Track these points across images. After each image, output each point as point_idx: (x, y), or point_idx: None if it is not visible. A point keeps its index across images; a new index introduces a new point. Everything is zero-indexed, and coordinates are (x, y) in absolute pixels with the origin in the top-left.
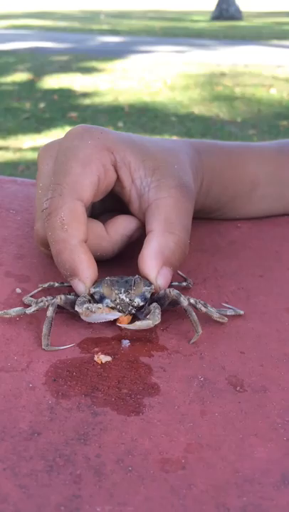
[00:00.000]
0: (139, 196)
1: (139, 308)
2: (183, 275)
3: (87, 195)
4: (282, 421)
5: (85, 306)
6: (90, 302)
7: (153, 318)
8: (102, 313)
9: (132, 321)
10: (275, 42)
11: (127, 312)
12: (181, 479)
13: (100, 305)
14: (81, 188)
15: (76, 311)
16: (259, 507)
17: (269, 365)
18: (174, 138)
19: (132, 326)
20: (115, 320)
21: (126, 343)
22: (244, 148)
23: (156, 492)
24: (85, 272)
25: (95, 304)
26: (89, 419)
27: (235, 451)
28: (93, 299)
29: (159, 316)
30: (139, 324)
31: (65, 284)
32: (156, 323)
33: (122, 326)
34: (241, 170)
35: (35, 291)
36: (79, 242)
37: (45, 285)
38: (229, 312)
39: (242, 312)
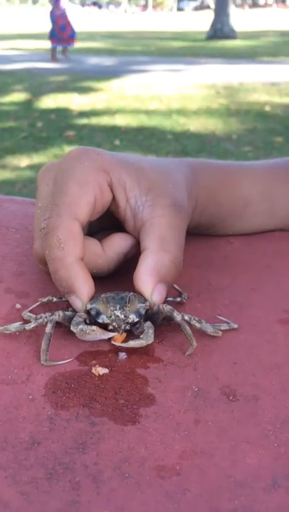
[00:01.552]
0: (134, 215)
1: (133, 325)
2: (178, 289)
3: (84, 214)
4: (272, 428)
5: (80, 327)
6: (85, 322)
7: (146, 338)
8: (96, 334)
9: (126, 338)
10: (269, 60)
11: (121, 330)
12: (176, 485)
13: (93, 327)
14: (78, 207)
15: None
16: (251, 510)
17: (261, 375)
18: (170, 155)
19: (125, 345)
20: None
21: (122, 355)
22: (238, 167)
23: (152, 497)
24: (81, 289)
25: (89, 326)
26: (87, 428)
27: (227, 457)
28: (89, 315)
29: (153, 335)
30: (132, 344)
31: (64, 299)
32: (149, 342)
33: (117, 344)
34: (235, 189)
35: (34, 305)
36: (75, 259)
37: (44, 299)
38: (223, 327)
39: (236, 326)
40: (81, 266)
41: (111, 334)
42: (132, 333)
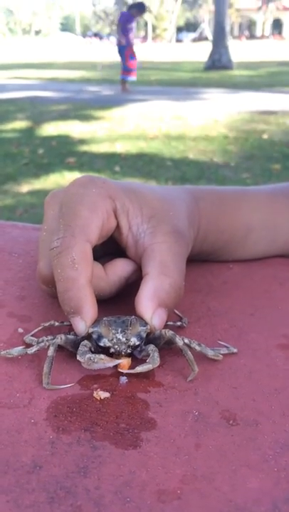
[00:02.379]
0: (135, 242)
1: (135, 348)
2: (179, 314)
3: (95, 237)
4: (273, 453)
5: (88, 356)
6: (90, 351)
7: (153, 362)
8: (104, 363)
9: (131, 363)
10: (266, 89)
11: (123, 351)
12: (176, 509)
13: (101, 355)
14: (90, 230)
15: (76, 351)
16: None
17: (260, 399)
18: (170, 181)
19: (133, 371)
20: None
21: (123, 379)
22: (239, 194)
23: None
24: (88, 311)
25: (96, 355)
26: (88, 452)
27: (228, 481)
28: (91, 338)
29: (158, 358)
30: (140, 369)
31: (65, 323)
32: (156, 366)
33: (124, 371)
34: (236, 216)
35: (36, 329)
36: (87, 281)
37: (46, 324)
38: (223, 351)
39: (235, 350)
40: (91, 289)
41: (118, 361)
42: (135, 357)
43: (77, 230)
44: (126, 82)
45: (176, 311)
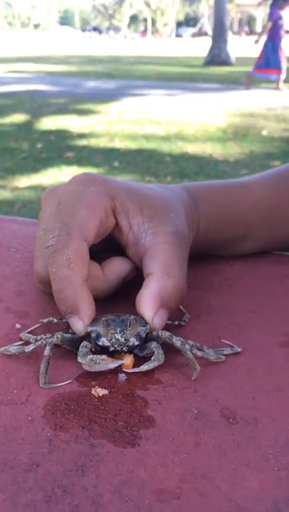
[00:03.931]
0: (136, 242)
1: (134, 347)
2: (183, 310)
3: (91, 236)
4: (273, 451)
5: (89, 357)
6: (91, 352)
7: (158, 359)
8: (106, 363)
9: (134, 362)
10: (265, 85)
11: (121, 351)
12: (176, 509)
13: (103, 356)
14: (87, 229)
15: (73, 350)
16: None
17: (260, 397)
18: (169, 177)
19: (139, 370)
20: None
21: (122, 376)
22: (239, 191)
23: None
24: (85, 311)
25: (98, 356)
26: (86, 450)
27: (228, 481)
28: (89, 337)
29: (163, 355)
30: (146, 367)
31: (64, 320)
32: (161, 363)
33: (129, 371)
34: (236, 217)
35: (34, 326)
36: (82, 280)
37: (45, 320)
38: (226, 351)
39: (240, 350)
40: (87, 288)
41: (120, 362)
42: (137, 356)
43: (74, 229)
44: (252, 77)
45: (181, 307)
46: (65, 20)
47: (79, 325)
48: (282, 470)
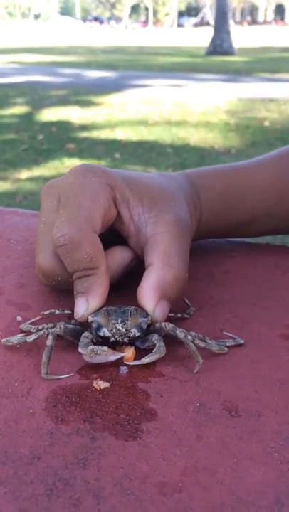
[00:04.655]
0: (137, 231)
1: (135, 339)
2: (188, 302)
3: (99, 227)
4: (276, 445)
5: (90, 347)
6: (92, 342)
7: (159, 351)
8: (107, 355)
9: (136, 355)
10: (268, 76)
11: (124, 341)
12: (178, 502)
13: (104, 347)
14: (95, 220)
15: (75, 341)
16: None
17: (263, 390)
18: (170, 169)
19: (140, 362)
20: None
21: (124, 369)
22: (244, 175)
23: None
24: (96, 296)
25: (99, 346)
26: (88, 443)
27: (230, 474)
28: (91, 328)
29: (164, 348)
30: (148, 360)
31: (66, 312)
32: (162, 355)
33: (131, 363)
34: (240, 206)
35: (35, 318)
36: (106, 270)
37: (47, 312)
38: (229, 343)
39: (242, 341)
40: (108, 278)
41: (121, 354)
42: (138, 348)
43: (84, 223)
44: None
45: (186, 300)
46: (66, 10)
47: (83, 306)
48: (285, 463)
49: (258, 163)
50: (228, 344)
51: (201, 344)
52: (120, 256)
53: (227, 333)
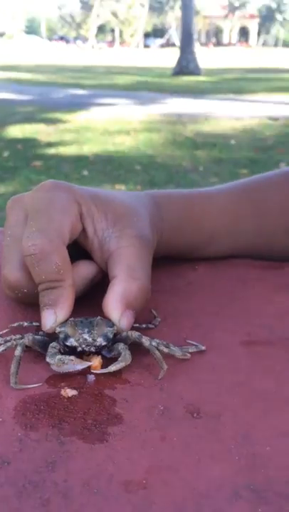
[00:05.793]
0: (101, 246)
1: (101, 348)
2: (155, 313)
3: (67, 241)
4: (234, 443)
5: (58, 357)
6: (60, 352)
7: (125, 360)
8: (74, 364)
9: (103, 364)
10: (233, 96)
11: (90, 351)
12: (143, 498)
13: (71, 357)
14: (64, 234)
15: (43, 352)
16: None
17: (223, 393)
18: (139, 186)
19: (106, 370)
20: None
21: (91, 377)
22: (204, 199)
23: (120, 511)
24: (63, 308)
25: (67, 356)
26: (56, 448)
27: (192, 471)
28: (58, 338)
29: (130, 356)
30: (114, 368)
31: (34, 324)
32: (128, 363)
33: (98, 371)
34: (200, 223)
35: (3, 331)
36: (72, 284)
37: (15, 325)
38: (191, 349)
39: (204, 348)
40: (74, 291)
41: (88, 363)
42: (105, 357)
43: (55, 235)
44: None
45: (153, 310)
46: (32, 29)
47: (51, 318)
48: (242, 459)
49: (217, 190)
50: (190, 350)
51: (165, 350)
52: (85, 270)
53: (190, 341)
